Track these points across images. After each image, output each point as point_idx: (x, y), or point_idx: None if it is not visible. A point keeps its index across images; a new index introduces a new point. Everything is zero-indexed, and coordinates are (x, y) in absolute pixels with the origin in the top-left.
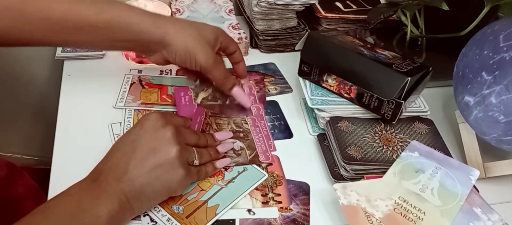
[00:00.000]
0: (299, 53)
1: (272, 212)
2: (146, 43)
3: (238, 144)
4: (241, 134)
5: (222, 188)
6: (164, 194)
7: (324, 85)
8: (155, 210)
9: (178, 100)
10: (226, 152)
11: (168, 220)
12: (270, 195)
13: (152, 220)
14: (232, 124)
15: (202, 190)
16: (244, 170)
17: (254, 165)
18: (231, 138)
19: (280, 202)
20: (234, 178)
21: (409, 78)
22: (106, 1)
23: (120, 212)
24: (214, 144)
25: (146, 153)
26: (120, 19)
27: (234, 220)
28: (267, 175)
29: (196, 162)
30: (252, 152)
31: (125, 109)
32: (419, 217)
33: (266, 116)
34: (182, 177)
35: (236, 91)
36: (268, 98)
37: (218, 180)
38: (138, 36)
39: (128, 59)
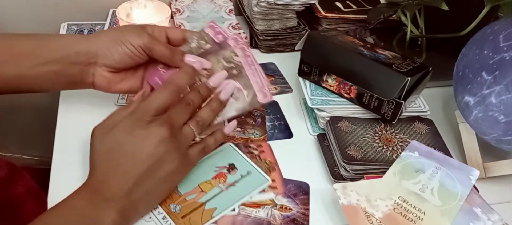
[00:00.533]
0: (299, 53)
1: (268, 196)
2: (74, 57)
3: (232, 85)
4: (234, 71)
5: (222, 191)
6: (171, 189)
7: (324, 85)
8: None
9: (154, 83)
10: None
11: (163, 218)
12: None
13: (150, 218)
14: (222, 61)
15: (202, 191)
16: (248, 174)
17: (258, 169)
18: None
19: (275, 188)
20: (236, 181)
21: (409, 78)
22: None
23: (125, 218)
24: (210, 93)
25: (145, 160)
26: (45, 40)
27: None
28: (270, 181)
29: (198, 138)
30: (250, 91)
31: None
32: (419, 217)
33: (266, 116)
34: (185, 168)
35: (190, 58)
36: None
37: (220, 183)
38: (65, 51)
39: None
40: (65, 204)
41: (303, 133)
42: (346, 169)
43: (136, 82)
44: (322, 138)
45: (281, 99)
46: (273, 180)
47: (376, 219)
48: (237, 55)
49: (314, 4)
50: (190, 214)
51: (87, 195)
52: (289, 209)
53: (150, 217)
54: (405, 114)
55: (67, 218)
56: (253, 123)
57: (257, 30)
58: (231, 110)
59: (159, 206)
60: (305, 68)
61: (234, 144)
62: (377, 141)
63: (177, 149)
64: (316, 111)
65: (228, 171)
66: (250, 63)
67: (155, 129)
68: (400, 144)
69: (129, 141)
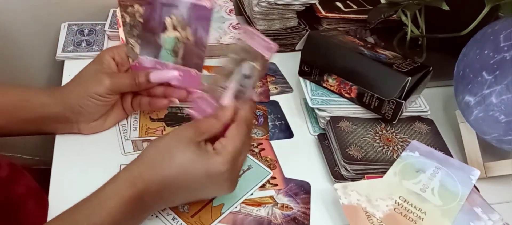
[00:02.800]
0: (299, 53)
1: (269, 192)
2: (48, 120)
3: (246, 67)
4: (244, 56)
5: None
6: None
7: (324, 85)
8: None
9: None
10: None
11: (173, 218)
12: None
13: (156, 217)
14: (231, 55)
15: None
16: (249, 168)
17: (259, 163)
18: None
19: (276, 185)
20: (239, 176)
21: (410, 78)
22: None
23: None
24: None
25: (200, 194)
26: (19, 101)
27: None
28: (271, 173)
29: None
30: (258, 59)
31: None
32: (420, 217)
33: (267, 116)
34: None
35: (154, 75)
36: None
37: None
38: (38, 113)
39: None
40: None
41: (304, 133)
42: (346, 169)
43: (119, 114)
44: (322, 138)
45: (281, 99)
46: (274, 177)
47: (377, 219)
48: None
49: (315, 4)
50: (199, 212)
51: (132, 205)
52: (290, 208)
53: (156, 216)
54: (405, 114)
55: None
56: (256, 122)
57: (258, 30)
58: (251, 89)
59: (167, 207)
60: (305, 68)
61: None
62: (377, 141)
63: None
64: (316, 111)
65: None
66: (249, 34)
67: (227, 184)
68: (401, 144)
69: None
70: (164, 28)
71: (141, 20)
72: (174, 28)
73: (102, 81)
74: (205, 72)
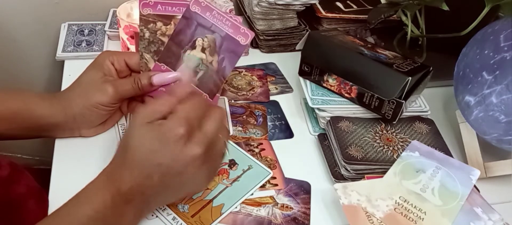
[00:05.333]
0: (299, 53)
1: (269, 192)
2: (51, 127)
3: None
4: (211, 44)
5: (227, 187)
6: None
7: (324, 85)
8: (161, 209)
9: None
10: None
11: (173, 218)
12: None
13: (156, 218)
14: (196, 48)
15: (207, 188)
16: (249, 168)
17: (259, 163)
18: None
19: (276, 185)
20: (239, 176)
21: (410, 78)
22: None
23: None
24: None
25: (178, 180)
26: (20, 108)
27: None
28: (272, 173)
29: (227, 151)
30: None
31: None
32: (420, 217)
33: (267, 116)
34: (212, 178)
35: (157, 78)
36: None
37: (223, 179)
38: (39, 122)
39: None
40: (85, 206)
41: (304, 133)
42: (346, 169)
43: (118, 115)
44: (322, 138)
45: (281, 99)
46: (274, 177)
47: (377, 219)
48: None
49: (315, 4)
50: (199, 212)
51: (111, 202)
52: (290, 208)
53: (156, 216)
54: (405, 114)
55: (89, 220)
56: (255, 122)
57: (258, 30)
58: (229, 68)
59: (167, 207)
60: (305, 68)
61: (234, 142)
62: (377, 141)
63: (209, 166)
64: (316, 111)
65: (230, 167)
66: (217, 21)
67: (189, 148)
68: (401, 144)
69: (170, 151)
70: (193, 47)
71: (163, 39)
72: (203, 50)
73: (106, 90)
74: (217, 99)
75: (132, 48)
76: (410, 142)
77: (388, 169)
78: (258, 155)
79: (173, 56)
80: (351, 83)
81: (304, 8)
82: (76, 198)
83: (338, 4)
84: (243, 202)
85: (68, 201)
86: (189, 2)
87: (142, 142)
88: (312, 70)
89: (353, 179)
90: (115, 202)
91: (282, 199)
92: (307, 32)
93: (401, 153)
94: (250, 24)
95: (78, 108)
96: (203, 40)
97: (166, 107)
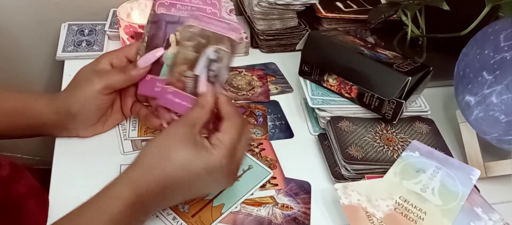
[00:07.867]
0: (299, 53)
1: (269, 192)
2: (49, 127)
3: (211, 51)
4: (202, 41)
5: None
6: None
7: (324, 84)
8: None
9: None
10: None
11: (174, 218)
12: None
13: (157, 217)
14: (185, 43)
15: None
16: (249, 168)
17: (259, 163)
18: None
19: (276, 185)
20: (239, 176)
21: (410, 77)
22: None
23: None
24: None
25: (200, 191)
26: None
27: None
28: (272, 173)
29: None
30: (225, 41)
31: None
32: (420, 217)
33: (267, 116)
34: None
35: (142, 61)
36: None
37: None
38: (38, 121)
39: None
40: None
41: (304, 133)
42: (347, 169)
43: (119, 117)
44: (323, 138)
45: (281, 99)
46: (274, 177)
47: (377, 219)
48: (191, 28)
49: (315, 4)
50: (199, 212)
51: (130, 211)
52: (290, 208)
53: (156, 216)
54: (405, 114)
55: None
56: (255, 122)
57: (258, 30)
58: (224, 72)
59: (167, 207)
60: (305, 68)
61: None
62: (377, 141)
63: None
64: (317, 111)
65: None
66: (207, 19)
67: (229, 179)
68: (401, 144)
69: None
70: (167, 46)
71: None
72: (177, 43)
73: (91, 80)
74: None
75: None
76: (410, 142)
77: (388, 169)
78: (258, 155)
79: (154, 62)
80: (351, 83)
81: (304, 8)
82: (96, 204)
83: (338, 4)
84: (243, 202)
85: (86, 203)
86: (155, 6)
87: (183, 160)
88: (312, 70)
89: (353, 179)
90: (134, 211)
91: (282, 199)
92: (307, 32)
93: (401, 153)
94: (250, 24)
95: (71, 103)
96: (175, 35)
97: (204, 118)
